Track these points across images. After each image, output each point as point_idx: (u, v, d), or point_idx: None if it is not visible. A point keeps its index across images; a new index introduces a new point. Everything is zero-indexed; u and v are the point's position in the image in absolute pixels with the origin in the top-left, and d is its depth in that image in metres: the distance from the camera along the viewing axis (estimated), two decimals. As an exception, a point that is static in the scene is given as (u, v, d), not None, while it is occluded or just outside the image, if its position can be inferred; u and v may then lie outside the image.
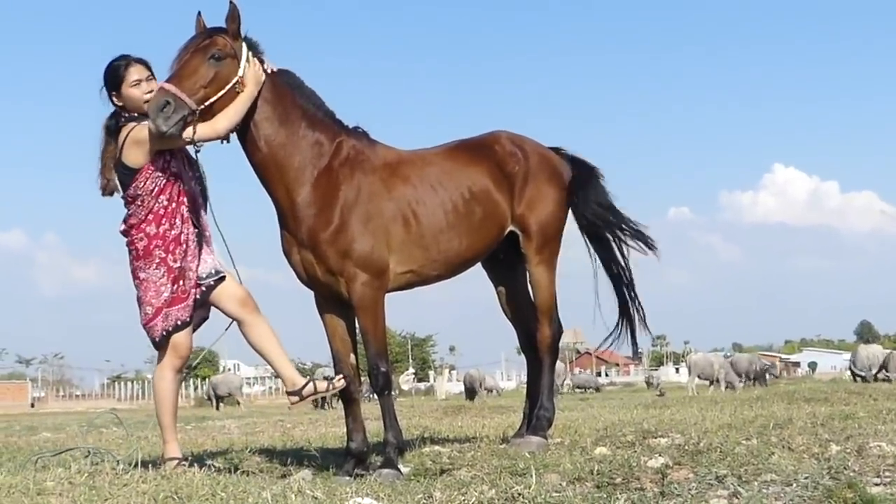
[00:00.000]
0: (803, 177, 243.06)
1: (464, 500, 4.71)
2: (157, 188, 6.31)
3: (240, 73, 6.14)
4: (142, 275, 6.33)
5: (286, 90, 6.43)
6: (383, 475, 6.05)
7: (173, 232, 6.33)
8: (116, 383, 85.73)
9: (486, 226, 6.90)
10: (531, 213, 7.10)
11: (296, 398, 6.52)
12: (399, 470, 6.22)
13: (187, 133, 6.02)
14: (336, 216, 6.31)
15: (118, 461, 6.37)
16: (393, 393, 6.85)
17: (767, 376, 43.88)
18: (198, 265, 6.42)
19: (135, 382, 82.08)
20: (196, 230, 6.44)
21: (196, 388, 67.29)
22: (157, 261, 6.31)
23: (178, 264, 6.32)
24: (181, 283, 6.33)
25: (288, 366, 6.63)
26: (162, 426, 6.56)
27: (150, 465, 6.01)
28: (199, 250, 6.46)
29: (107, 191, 6.46)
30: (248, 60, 6.20)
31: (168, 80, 6.01)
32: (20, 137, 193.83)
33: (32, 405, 67.91)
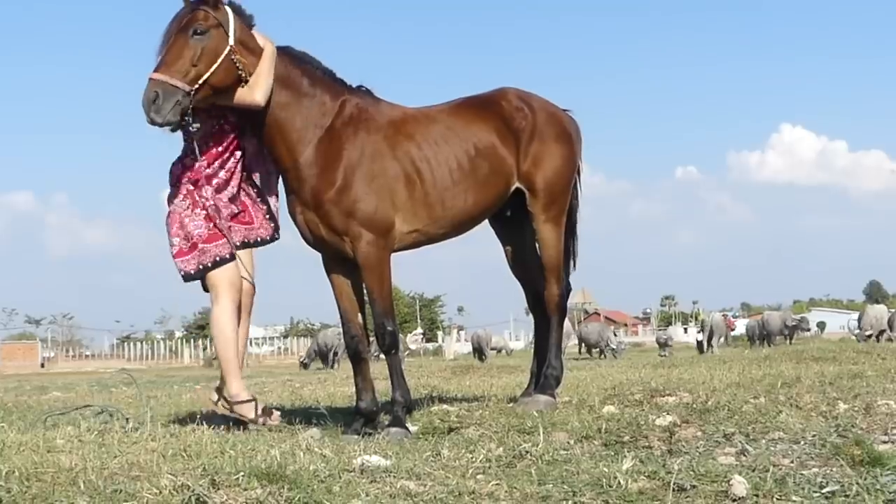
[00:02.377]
0: (811, 136, 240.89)
1: (471, 458, 4.72)
2: (208, 134, 6.41)
3: (230, 41, 6.12)
4: (169, 206, 6.44)
5: (284, 54, 6.41)
6: (391, 434, 6.06)
7: (208, 171, 6.40)
8: (126, 343, 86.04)
9: (492, 182, 6.86)
10: (537, 170, 7.05)
11: (216, 398, 6.52)
12: (407, 428, 6.24)
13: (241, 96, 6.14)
14: (339, 176, 6.29)
15: (128, 419, 6.42)
16: (401, 352, 6.86)
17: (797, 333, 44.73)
18: (255, 229, 6.60)
19: (144, 343, 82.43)
20: (248, 189, 6.58)
21: (205, 349, 67.58)
22: (184, 193, 6.40)
23: (209, 201, 6.38)
24: (216, 222, 6.40)
25: (235, 370, 6.58)
26: (225, 365, 6.55)
27: (158, 424, 6.04)
28: (262, 212, 6.64)
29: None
30: (234, 27, 6.16)
31: (156, 70, 5.99)
32: (27, 98, 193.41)
33: (42, 365, 68.14)
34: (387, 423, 6.36)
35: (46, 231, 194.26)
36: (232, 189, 6.50)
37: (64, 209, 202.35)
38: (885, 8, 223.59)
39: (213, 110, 6.39)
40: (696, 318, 55.67)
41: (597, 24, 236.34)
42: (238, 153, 6.51)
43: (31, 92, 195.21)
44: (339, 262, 6.52)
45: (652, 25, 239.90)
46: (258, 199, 6.65)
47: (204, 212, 6.37)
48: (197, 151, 6.38)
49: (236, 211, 6.56)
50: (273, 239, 6.77)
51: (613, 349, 42.21)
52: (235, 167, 6.50)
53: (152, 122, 5.93)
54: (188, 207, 6.38)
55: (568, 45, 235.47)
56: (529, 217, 7.14)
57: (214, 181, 6.42)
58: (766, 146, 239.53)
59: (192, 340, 78.71)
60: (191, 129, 6.30)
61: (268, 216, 6.70)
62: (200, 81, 6.00)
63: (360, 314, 6.67)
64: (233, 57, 6.11)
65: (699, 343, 43.83)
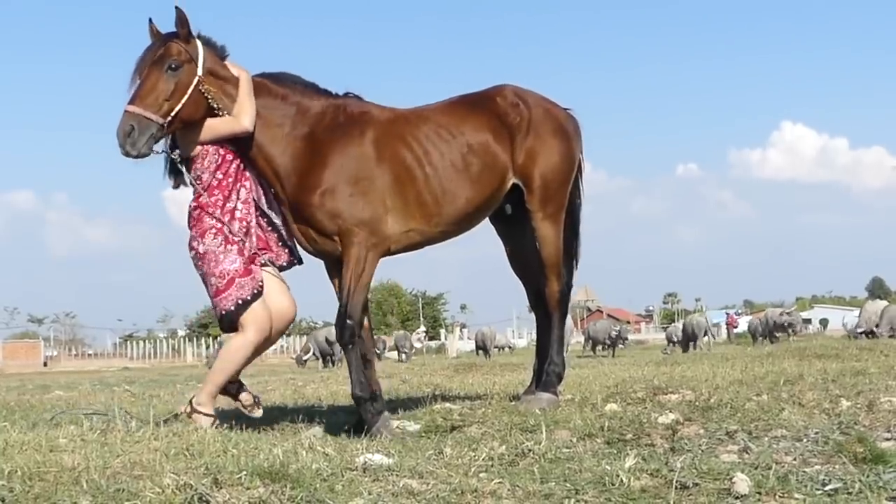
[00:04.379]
0: (812, 133, 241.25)
1: (474, 457, 4.72)
2: (213, 164, 6.42)
3: (199, 72, 6.23)
4: (200, 248, 6.38)
5: (260, 77, 6.54)
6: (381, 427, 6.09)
7: (229, 205, 6.42)
8: (128, 342, 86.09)
9: (486, 178, 6.84)
10: (534, 166, 7.02)
11: (188, 409, 6.50)
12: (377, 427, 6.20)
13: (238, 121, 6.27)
14: (321, 179, 6.34)
15: (131, 419, 6.43)
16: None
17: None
18: (271, 253, 6.60)
19: (146, 341, 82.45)
20: (264, 218, 6.57)
21: (208, 347, 67.57)
22: (213, 231, 6.36)
23: (238, 237, 6.39)
24: (247, 254, 6.41)
25: (215, 387, 6.53)
26: (212, 381, 6.53)
27: (161, 423, 6.04)
28: (274, 239, 6.62)
29: (175, 185, 6.59)
30: (204, 58, 6.26)
31: (130, 102, 6.06)
32: (27, 97, 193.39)
33: (45, 364, 68.16)
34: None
35: (47, 230, 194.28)
36: (250, 217, 6.49)
37: (65, 208, 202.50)
38: (885, 5, 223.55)
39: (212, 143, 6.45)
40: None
41: (597, 21, 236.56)
42: (246, 182, 6.52)
43: (30, 91, 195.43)
44: (339, 266, 6.52)
45: (652, 22, 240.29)
46: (269, 227, 6.64)
47: (235, 246, 6.37)
48: (196, 186, 6.43)
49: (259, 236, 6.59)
50: (291, 264, 6.74)
51: (624, 338, 42.76)
52: (248, 196, 6.51)
53: (126, 155, 6.03)
54: (221, 244, 6.36)
55: (568, 41, 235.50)
56: (527, 214, 7.12)
57: (238, 214, 6.44)
58: (766, 144, 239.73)
59: (194, 339, 78.63)
60: (180, 166, 6.40)
61: (280, 242, 6.68)
62: (172, 114, 6.11)
63: (365, 317, 6.65)
64: (201, 88, 6.23)
65: (679, 342, 44.14)
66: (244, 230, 6.42)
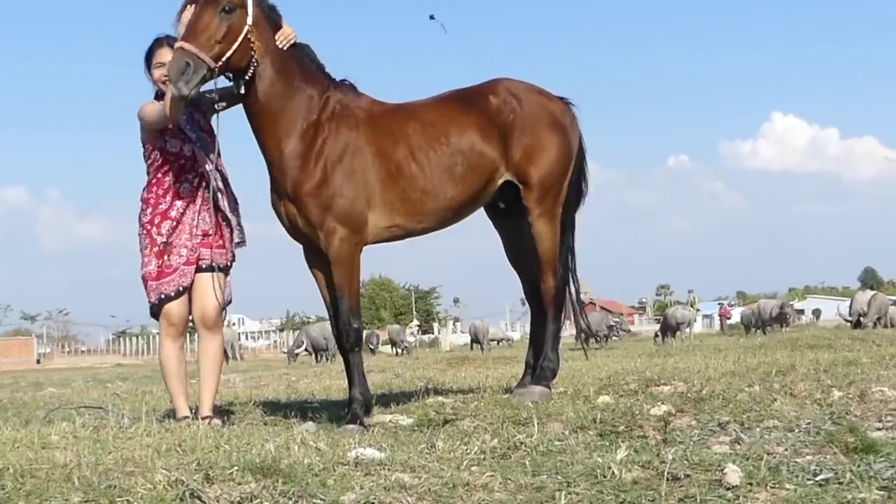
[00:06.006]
0: (802, 124, 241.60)
1: (466, 450, 4.72)
2: (155, 162, 6.49)
3: (248, 21, 6.10)
4: (140, 244, 6.55)
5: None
6: (347, 430, 6.04)
7: (162, 206, 6.47)
8: (122, 338, 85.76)
9: (470, 177, 6.82)
10: (529, 163, 6.99)
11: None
12: (364, 425, 6.21)
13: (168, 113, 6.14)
14: (319, 170, 6.34)
15: (123, 415, 6.43)
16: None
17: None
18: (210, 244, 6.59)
19: (140, 337, 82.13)
20: (203, 213, 6.54)
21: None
22: (143, 231, 6.51)
23: (162, 238, 6.44)
24: (167, 258, 6.46)
25: (211, 394, 6.69)
26: (170, 390, 6.79)
27: (153, 420, 6.04)
28: (214, 231, 6.59)
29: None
30: (253, 8, 6.14)
31: (184, 38, 5.93)
32: (18, 94, 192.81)
33: (38, 361, 68.01)
34: (345, 419, 6.36)
35: (40, 226, 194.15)
36: (192, 215, 6.51)
37: (57, 204, 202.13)
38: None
39: (155, 140, 6.46)
40: (693, 307, 55.62)
41: (587, 14, 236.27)
42: (193, 178, 6.52)
43: (21, 87, 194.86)
44: (319, 254, 6.54)
45: (641, 16, 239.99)
46: (223, 223, 6.65)
47: (156, 248, 6.46)
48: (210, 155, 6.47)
49: (209, 232, 6.56)
50: (232, 263, 6.78)
51: (627, 330, 42.87)
52: (194, 193, 6.52)
53: (179, 94, 5.89)
54: (146, 246, 6.50)
55: (559, 34, 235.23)
56: (524, 211, 7.10)
57: (172, 213, 6.46)
58: (757, 135, 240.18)
59: (187, 335, 78.30)
60: (216, 106, 6.41)
61: (231, 240, 6.71)
62: (223, 59, 6.01)
63: None
64: (250, 37, 6.11)
65: (655, 335, 44.33)
66: (171, 230, 6.45)
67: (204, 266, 6.54)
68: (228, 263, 6.70)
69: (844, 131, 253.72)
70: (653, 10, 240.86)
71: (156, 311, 6.56)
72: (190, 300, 6.58)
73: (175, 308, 6.52)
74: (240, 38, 6.05)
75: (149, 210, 6.48)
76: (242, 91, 6.26)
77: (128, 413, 6.85)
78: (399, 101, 7.07)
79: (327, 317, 6.91)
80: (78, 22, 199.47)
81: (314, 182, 6.32)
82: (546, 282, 7.32)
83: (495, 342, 48.30)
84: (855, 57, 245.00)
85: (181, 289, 6.50)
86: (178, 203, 6.46)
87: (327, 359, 38.09)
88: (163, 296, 6.47)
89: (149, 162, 6.53)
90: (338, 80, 6.71)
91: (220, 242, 6.62)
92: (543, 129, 7.07)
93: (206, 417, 6.39)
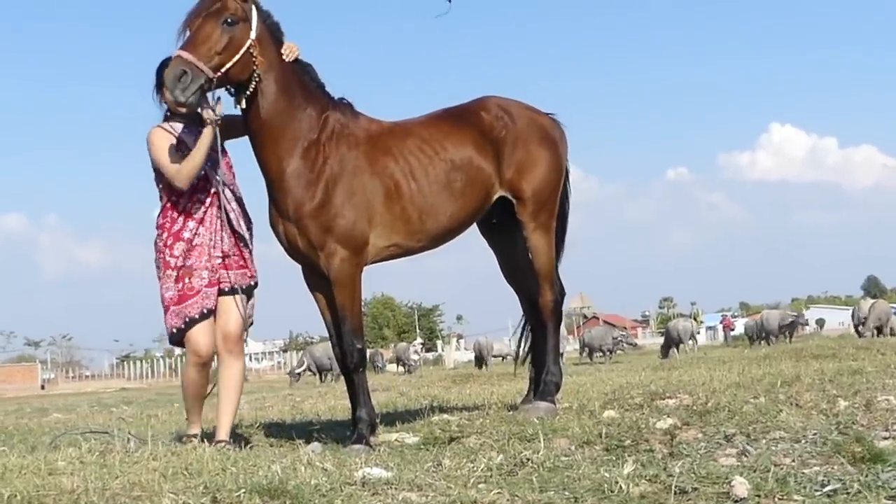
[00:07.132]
0: (801, 134, 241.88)
1: (473, 468, 4.71)
2: (168, 186, 6.41)
3: (252, 35, 6.13)
4: (157, 271, 6.49)
5: (289, 63, 6.43)
6: (353, 450, 6.00)
7: (175, 227, 6.43)
8: (125, 363, 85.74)
9: (469, 194, 6.84)
10: (522, 178, 7.01)
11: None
12: (371, 446, 6.20)
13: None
14: (320, 190, 6.32)
15: (129, 440, 6.42)
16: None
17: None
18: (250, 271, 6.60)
19: (144, 361, 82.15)
20: (220, 234, 6.49)
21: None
22: (160, 255, 6.45)
23: (176, 260, 6.40)
24: (187, 280, 6.40)
25: (229, 418, 6.61)
26: (186, 406, 6.87)
27: (160, 443, 6.03)
28: (245, 256, 6.59)
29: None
30: (258, 23, 6.16)
31: (183, 47, 5.96)
32: (15, 119, 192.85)
33: (42, 387, 67.90)
34: (351, 440, 6.33)
35: (40, 252, 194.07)
36: (210, 236, 6.47)
37: (56, 230, 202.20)
38: (870, 5, 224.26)
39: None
40: (696, 319, 55.60)
41: (583, 27, 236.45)
42: (206, 198, 6.48)
43: (18, 112, 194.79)
44: (319, 275, 6.53)
45: (639, 28, 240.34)
46: (241, 243, 6.60)
47: (175, 272, 6.40)
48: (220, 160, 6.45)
49: (228, 253, 6.52)
50: (256, 285, 6.74)
51: (633, 344, 42.69)
52: (206, 214, 6.48)
53: (176, 101, 5.93)
54: (162, 271, 6.44)
55: (555, 47, 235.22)
56: (519, 225, 7.12)
57: (185, 234, 6.42)
58: (756, 146, 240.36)
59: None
60: (213, 110, 6.28)
61: (251, 260, 6.67)
62: (222, 70, 6.01)
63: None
64: (252, 51, 6.13)
65: (662, 348, 44.21)
66: (185, 252, 6.40)
67: (226, 289, 6.50)
68: (252, 283, 6.65)
69: (843, 140, 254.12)
70: (649, 22, 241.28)
71: (179, 336, 6.43)
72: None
73: (203, 339, 6.41)
74: (241, 51, 6.07)
75: (164, 234, 6.43)
76: (244, 105, 6.26)
77: (133, 437, 6.84)
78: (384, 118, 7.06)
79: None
80: (76, 46, 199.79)
81: (316, 203, 6.31)
82: (544, 296, 7.32)
83: (500, 357, 48.16)
84: (852, 65, 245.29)
85: (205, 311, 6.40)
86: (191, 223, 6.42)
87: (332, 378, 38.04)
88: (187, 319, 6.37)
89: (160, 186, 6.49)
90: (336, 98, 6.71)
91: (241, 263, 6.58)
92: (535, 144, 7.11)
93: (221, 442, 6.29)
